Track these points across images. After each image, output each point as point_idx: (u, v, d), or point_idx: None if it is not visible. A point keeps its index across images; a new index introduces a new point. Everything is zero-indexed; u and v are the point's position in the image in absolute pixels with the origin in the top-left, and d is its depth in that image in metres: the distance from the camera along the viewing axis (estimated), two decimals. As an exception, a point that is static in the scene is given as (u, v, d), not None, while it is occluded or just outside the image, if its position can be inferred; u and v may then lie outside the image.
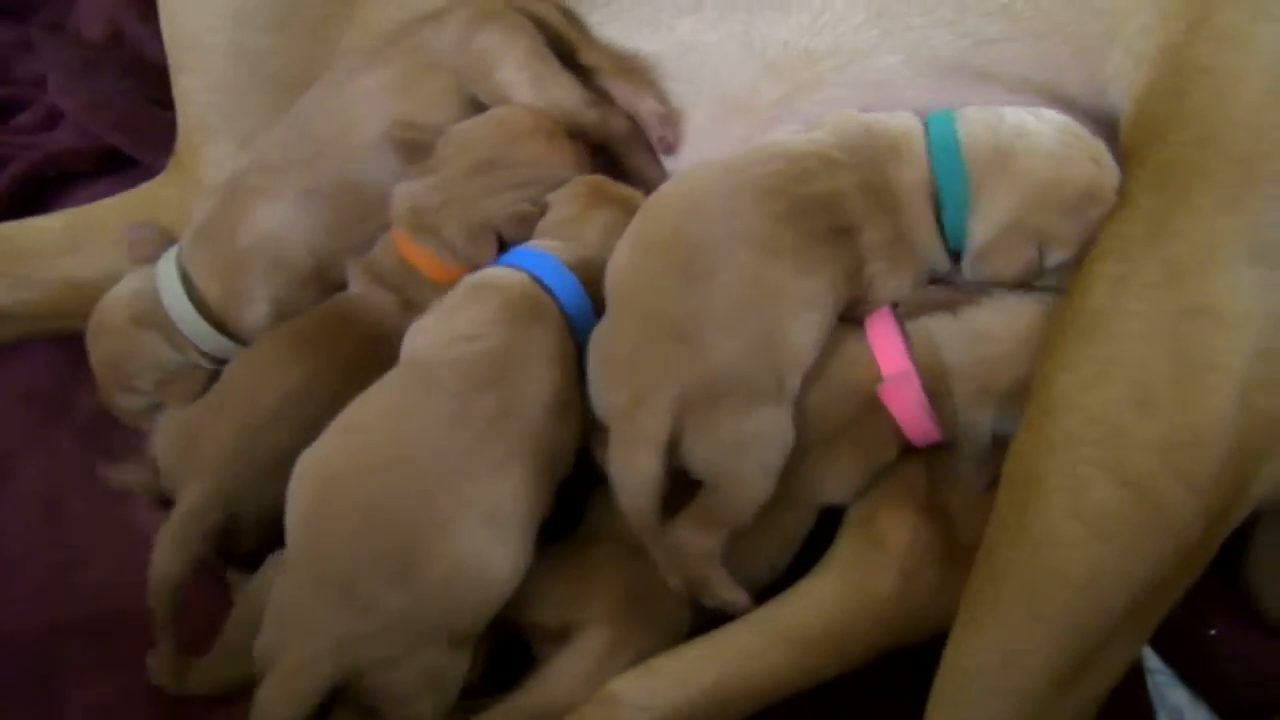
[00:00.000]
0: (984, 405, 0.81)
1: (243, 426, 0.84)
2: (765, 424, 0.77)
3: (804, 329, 0.79)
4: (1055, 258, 0.83)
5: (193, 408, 0.88)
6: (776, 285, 0.78)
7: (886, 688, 0.80)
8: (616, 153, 0.95)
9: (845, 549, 0.83)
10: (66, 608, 0.89)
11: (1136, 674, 0.82)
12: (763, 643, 0.79)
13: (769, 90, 0.94)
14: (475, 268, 0.87)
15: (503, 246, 0.89)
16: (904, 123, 0.86)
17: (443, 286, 0.86)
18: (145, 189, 1.05)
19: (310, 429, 0.79)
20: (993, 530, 0.74)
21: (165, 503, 0.87)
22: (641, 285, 0.79)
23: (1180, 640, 0.84)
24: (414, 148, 0.90)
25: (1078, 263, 0.79)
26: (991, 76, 0.89)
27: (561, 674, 0.78)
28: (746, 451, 0.77)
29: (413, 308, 0.87)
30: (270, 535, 0.81)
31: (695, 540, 0.77)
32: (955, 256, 0.86)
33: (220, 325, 0.93)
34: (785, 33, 0.93)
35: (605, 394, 0.79)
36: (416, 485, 0.74)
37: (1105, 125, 0.87)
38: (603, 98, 0.96)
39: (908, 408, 0.81)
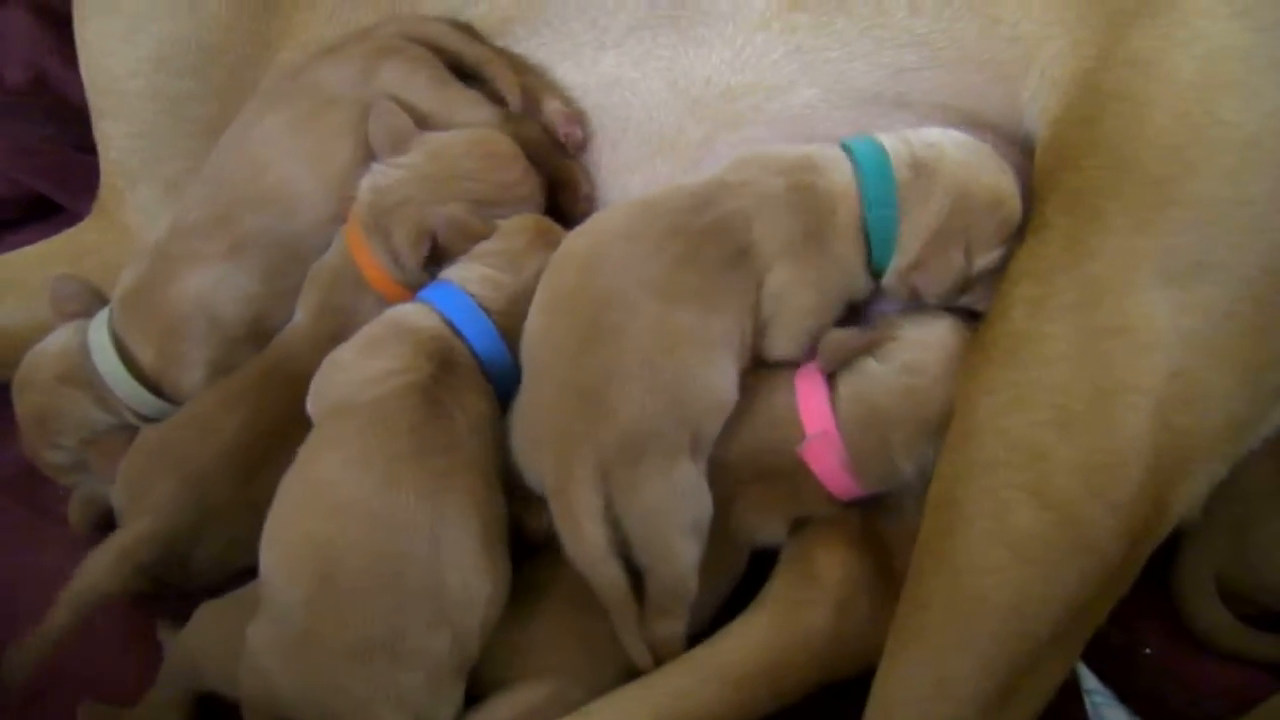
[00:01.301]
0: (922, 439, 0.80)
1: (184, 479, 0.84)
2: (682, 483, 0.77)
3: (717, 374, 0.79)
4: (979, 263, 0.83)
5: (137, 446, 0.88)
6: (684, 332, 0.78)
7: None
8: (536, 161, 0.94)
9: (779, 586, 0.82)
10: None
11: (1074, 694, 0.82)
12: (697, 682, 0.78)
13: (693, 129, 0.94)
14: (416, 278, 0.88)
15: (442, 258, 0.88)
16: (813, 147, 0.86)
17: (385, 305, 0.86)
18: (68, 235, 1.05)
19: (253, 477, 0.81)
20: (917, 557, 0.74)
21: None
22: (552, 350, 0.79)
23: (1117, 660, 0.84)
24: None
25: (994, 283, 0.80)
26: (909, 105, 0.90)
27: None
28: (666, 517, 0.76)
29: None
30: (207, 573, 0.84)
31: (660, 631, 0.78)
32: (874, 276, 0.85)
33: (156, 390, 0.92)
34: (708, 70, 0.94)
35: (532, 471, 0.79)
36: (413, 527, 0.74)
37: (1022, 149, 0.88)
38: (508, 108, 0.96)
39: (829, 466, 0.81)
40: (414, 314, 0.84)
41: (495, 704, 0.77)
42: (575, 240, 0.84)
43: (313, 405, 0.82)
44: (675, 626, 0.78)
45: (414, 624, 0.72)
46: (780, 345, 0.84)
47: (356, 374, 0.80)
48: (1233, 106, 0.73)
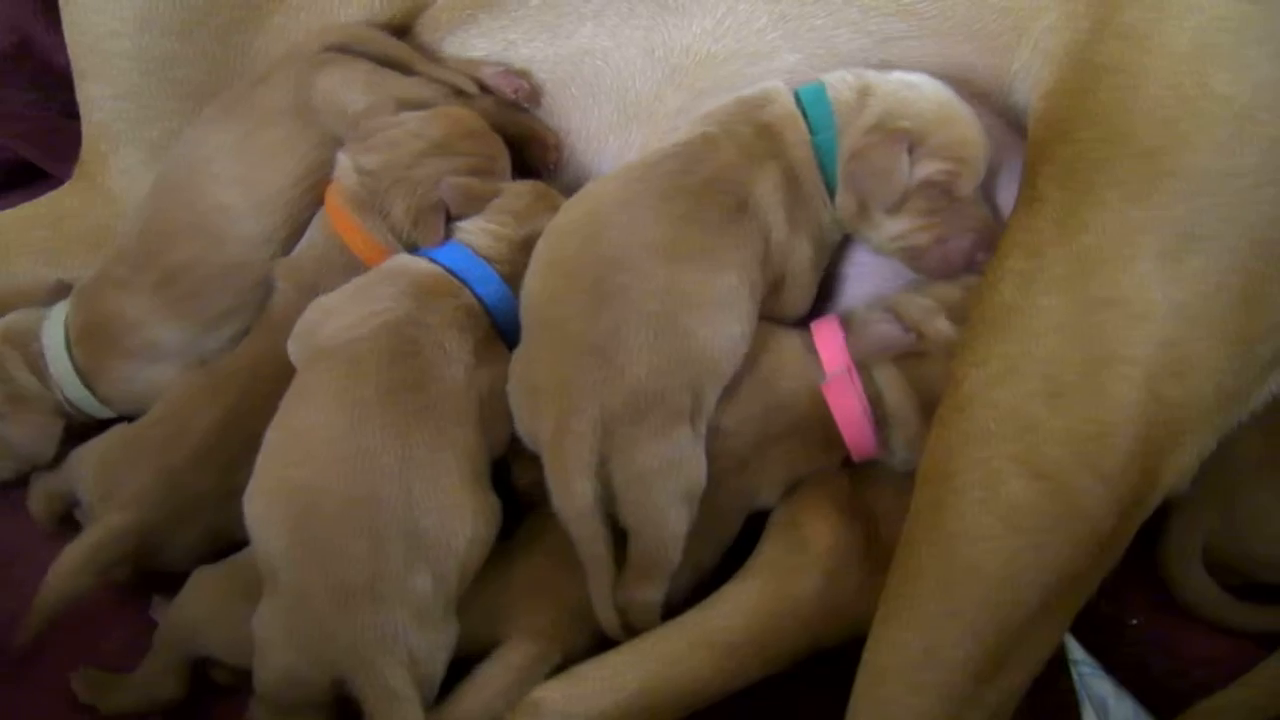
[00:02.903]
0: (921, 444, 0.80)
1: (163, 469, 0.84)
2: (680, 449, 0.77)
3: (722, 335, 0.80)
4: (923, 169, 0.84)
5: (111, 442, 0.88)
6: (689, 292, 0.79)
7: (810, 689, 0.81)
8: (499, 128, 0.95)
9: (769, 552, 0.83)
10: None
11: (1061, 665, 0.82)
12: (687, 647, 0.79)
13: (671, 98, 0.95)
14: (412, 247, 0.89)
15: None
16: (767, 83, 0.88)
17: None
18: (49, 198, 1.04)
19: (232, 470, 0.81)
20: (909, 527, 0.74)
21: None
22: (555, 310, 0.80)
23: (1104, 631, 0.85)
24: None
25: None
26: (893, 70, 0.89)
27: (482, 686, 0.77)
28: (662, 481, 0.77)
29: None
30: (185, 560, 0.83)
31: (639, 596, 0.78)
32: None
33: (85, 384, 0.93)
34: (687, 39, 0.94)
35: (529, 422, 0.79)
36: (382, 468, 0.74)
37: (1013, 122, 0.88)
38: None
39: (849, 408, 0.81)
40: (409, 260, 0.86)
41: (486, 673, 0.78)
42: (571, 211, 0.84)
43: (295, 352, 0.83)
44: (653, 594, 0.79)
45: (391, 565, 0.73)
46: (798, 303, 0.87)
47: (340, 320, 0.81)
48: (1225, 79, 0.73)
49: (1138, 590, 0.89)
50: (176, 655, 0.80)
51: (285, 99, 0.94)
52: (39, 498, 0.92)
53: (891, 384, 0.82)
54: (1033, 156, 0.80)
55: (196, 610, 0.80)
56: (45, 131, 1.17)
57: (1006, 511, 0.70)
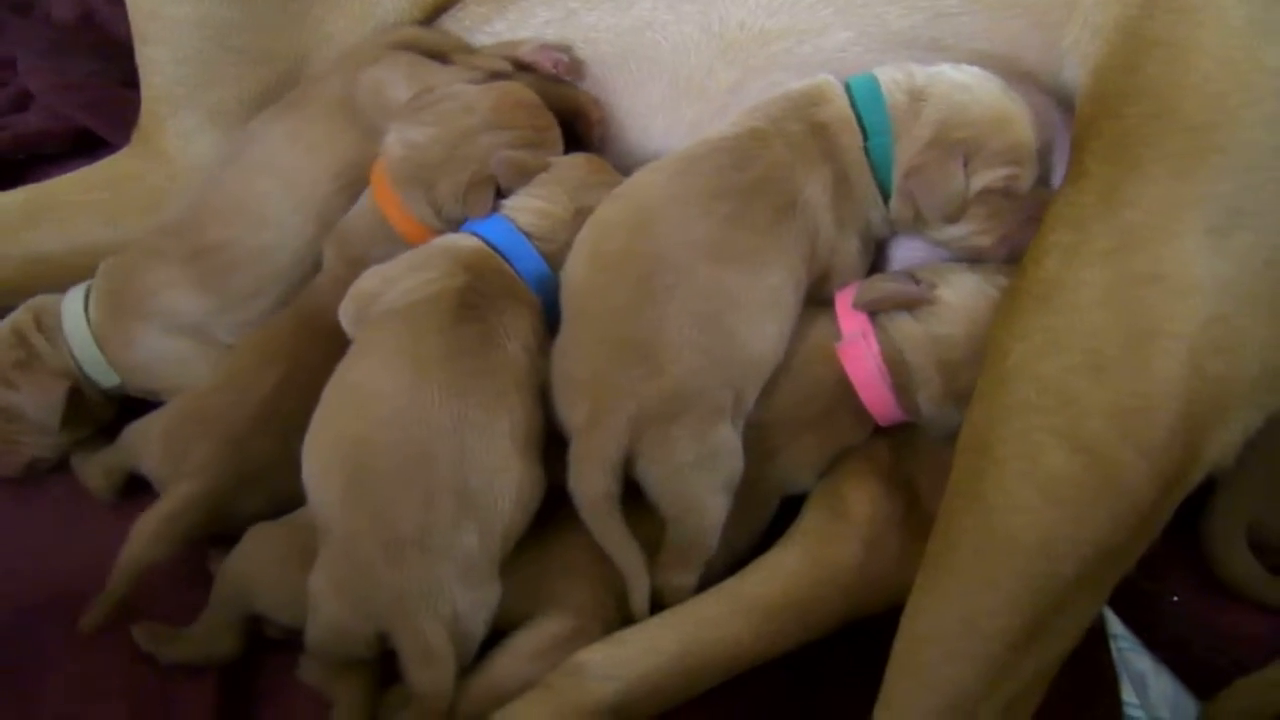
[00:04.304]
0: (947, 403, 0.82)
1: (224, 439, 0.85)
2: (720, 444, 0.78)
3: (764, 335, 0.80)
4: (980, 179, 0.84)
5: (172, 414, 0.89)
6: (733, 293, 0.79)
7: (847, 655, 0.81)
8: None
9: (809, 521, 0.84)
10: (39, 591, 0.89)
11: (1100, 640, 0.83)
12: (727, 613, 0.80)
13: (723, 73, 0.95)
14: (455, 224, 0.90)
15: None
16: (819, 78, 0.88)
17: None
18: (106, 162, 1.05)
19: (292, 433, 0.82)
20: (949, 498, 0.74)
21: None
22: (599, 303, 0.80)
23: (1143, 606, 0.85)
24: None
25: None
26: (945, 49, 0.90)
27: (518, 651, 0.78)
28: (701, 475, 0.78)
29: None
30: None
31: (674, 580, 0.79)
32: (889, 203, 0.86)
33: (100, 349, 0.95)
34: (743, 13, 0.94)
35: (564, 409, 0.80)
36: (437, 425, 0.75)
37: (1062, 98, 0.87)
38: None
39: (866, 372, 0.82)
40: (456, 238, 0.87)
41: (521, 639, 0.79)
42: (617, 203, 0.85)
43: (349, 318, 0.84)
44: (688, 578, 0.80)
45: (441, 519, 0.74)
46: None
47: (401, 285, 0.82)
48: (1276, 53, 0.72)
49: (1179, 567, 0.89)
50: (232, 611, 0.82)
51: (334, 96, 0.96)
52: (95, 473, 0.93)
53: (911, 343, 0.82)
54: (1080, 133, 0.80)
55: (250, 567, 0.82)
56: (106, 100, 1.19)
57: (1046, 483, 0.70)
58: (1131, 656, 0.83)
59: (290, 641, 0.81)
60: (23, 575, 0.90)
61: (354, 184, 0.94)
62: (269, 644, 0.84)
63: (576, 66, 0.98)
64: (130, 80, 1.05)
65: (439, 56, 0.98)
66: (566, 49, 0.98)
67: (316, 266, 0.94)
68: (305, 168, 0.94)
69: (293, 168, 0.94)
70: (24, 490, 0.96)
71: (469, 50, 0.99)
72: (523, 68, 0.97)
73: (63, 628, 0.85)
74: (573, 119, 0.96)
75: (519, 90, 0.93)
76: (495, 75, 0.95)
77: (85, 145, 1.19)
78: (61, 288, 0.97)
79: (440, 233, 0.90)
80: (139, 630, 0.82)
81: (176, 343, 0.94)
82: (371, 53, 0.97)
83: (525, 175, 0.90)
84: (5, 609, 0.88)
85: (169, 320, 0.94)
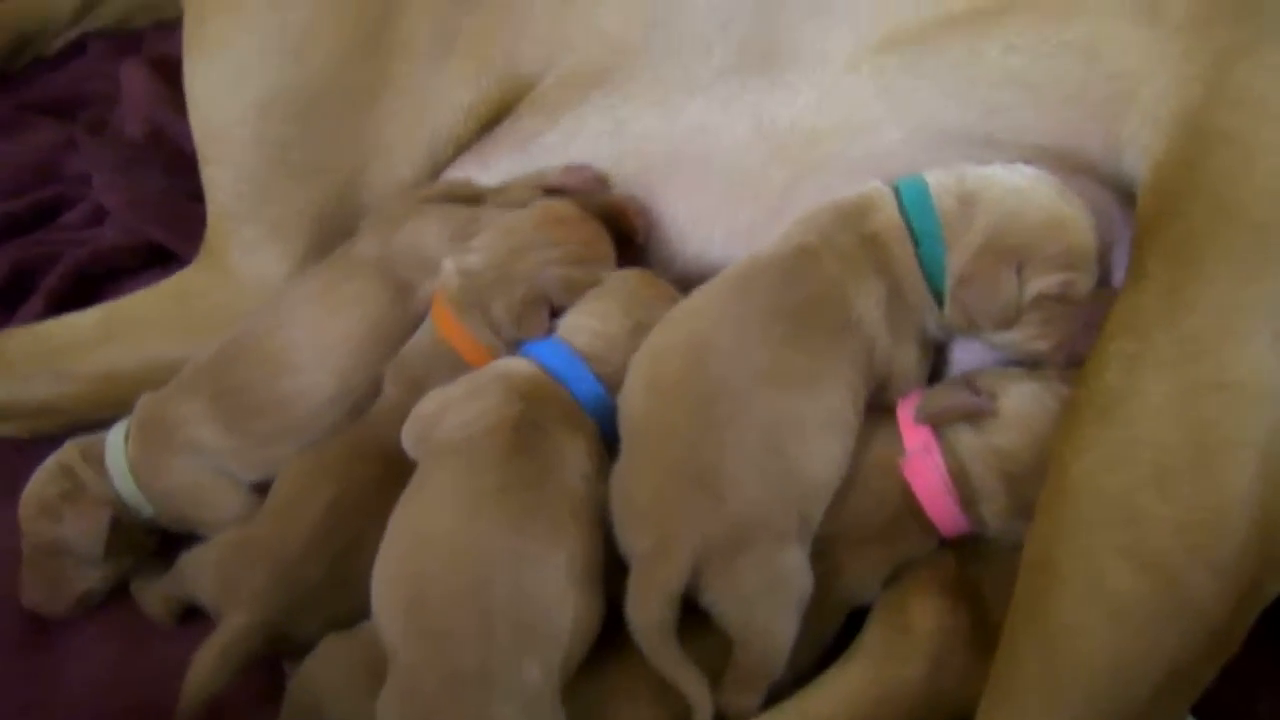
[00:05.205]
0: (1012, 517, 0.80)
1: (275, 565, 0.85)
2: (788, 568, 0.77)
3: (826, 458, 0.79)
4: (1034, 285, 0.82)
5: (224, 546, 0.90)
6: (793, 418, 0.78)
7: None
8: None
9: (872, 636, 0.81)
10: (123, 698, 0.91)
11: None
12: None
13: (777, 174, 0.94)
14: (515, 344, 0.90)
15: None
16: (867, 185, 0.87)
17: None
18: (177, 278, 1.07)
19: (344, 557, 0.83)
20: (1012, 617, 0.72)
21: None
22: (658, 432, 0.80)
23: (1227, 716, 0.80)
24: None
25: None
26: (998, 144, 0.88)
27: None
28: (771, 600, 0.76)
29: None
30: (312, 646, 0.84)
31: (738, 702, 0.77)
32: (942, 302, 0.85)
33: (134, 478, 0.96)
34: (793, 113, 0.94)
35: (626, 537, 0.79)
36: (494, 560, 0.75)
37: (1123, 191, 0.85)
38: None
39: (931, 485, 0.80)
40: (512, 362, 0.87)
41: None
42: (669, 330, 0.84)
43: (411, 440, 0.85)
44: (752, 701, 0.78)
45: (501, 656, 0.73)
46: (897, 399, 0.85)
47: (456, 416, 0.82)
48: None
49: (1263, 676, 0.85)
50: None
51: (369, 253, 0.97)
52: (154, 601, 0.95)
53: (974, 456, 0.80)
54: (1141, 231, 0.78)
55: (320, 682, 0.82)
56: (176, 215, 1.21)
57: (1112, 604, 0.68)
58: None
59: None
60: (98, 691, 0.92)
61: (380, 343, 0.95)
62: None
63: (602, 177, 0.99)
64: (199, 194, 1.07)
65: (471, 203, 0.99)
66: (587, 166, 0.99)
67: (338, 419, 0.94)
68: (332, 324, 0.95)
69: (319, 322, 0.95)
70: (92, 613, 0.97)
71: (498, 192, 1.00)
72: (553, 193, 0.97)
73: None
74: (616, 224, 0.96)
75: (559, 206, 0.94)
76: (526, 204, 0.96)
77: (158, 259, 1.22)
78: (131, 403, 0.99)
79: (502, 353, 0.90)
80: None
81: (201, 475, 0.95)
82: (403, 209, 0.99)
83: (575, 291, 0.90)
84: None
85: (194, 453, 0.95)
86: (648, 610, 0.76)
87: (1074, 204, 0.84)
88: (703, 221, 0.97)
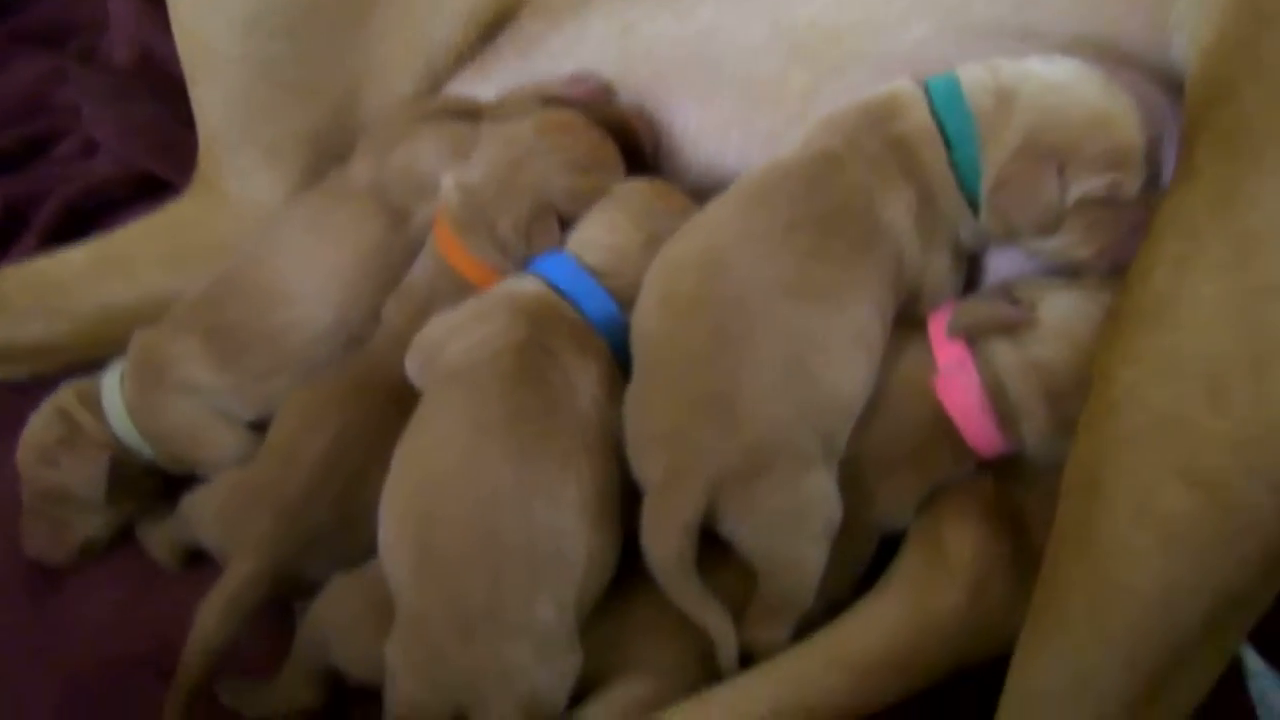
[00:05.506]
0: (1055, 435, 0.77)
1: (279, 508, 0.84)
2: (813, 493, 0.74)
3: (851, 375, 0.76)
4: (1078, 188, 0.78)
5: (224, 490, 0.89)
6: (816, 334, 0.75)
7: (951, 709, 0.77)
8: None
9: (907, 565, 0.79)
10: (132, 642, 0.90)
11: (1238, 676, 0.78)
12: (821, 668, 0.76)
13: (797, 77, 0.90)
14: (523, 262, 0.87)
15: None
16: (895, 84, 0.83)
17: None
18: (169, 209, 1.05)
19: (349, 495, 0.82)
20: (1055, 542, 0.69)
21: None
22: (672, 352, 0.77)
23: (1287, 641, 0.78)
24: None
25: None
26: (1036, 35, 0.84)
27: (597, 718, 0.75)
28: (795, 527, 0.74)
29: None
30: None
31: (765, 636, 0.76)
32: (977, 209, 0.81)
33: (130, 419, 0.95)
34: (813, 10, 0.89)
35: (639, 465, 0.77)
36: (503, 495, 0.73)
37: (1171, 83, 0.81)
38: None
39: (966, 404, 0.77)
40: (519, 282, 0.84)
41: (597, 705, 0.76)
42: (685, 241, 0.81)
43: (415, 367, 0.83)
44: (780, 634, 0.76)
45: (513, 594, 0.72)
46: (928, 312, 0.82)
47: (461, 341, 0.80)
48: None
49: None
50: (313, 663, 0.81)
51: (361, 180, 0.95)
52: (160, 546, 0.93)
53: (1012, 370, 0.77)
54: (1190, 124, 0.73)
55: (330, 618, 0.80)
56: (169, 143, 1.18)
57: (1163, 526, 0.64)
58: (1272, 695, 0.78)
59: (372, 693, 0.79)
60: (114, 629, 0.91)
61: (377, 271, 0.93)
62: (353, 692, 0.82)
63: (608, 87, 0.95)
64: (191, 120, 1.04)
65: (468, 119, 0.96)
66: (591, 74, 0.95)
67: (335, 351, 0.92)
68: (325, 252, 0.93)
69: (312, 252, 0.93)
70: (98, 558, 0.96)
71: (496, 106, 0.96)
72: (554, 104, 0.93)
73: (154, 680, 0.85)
74: (623, 137, 0.93)
75: (560, 113, 0.90)
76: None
77: (153, 189, 1.19)
78: (127, 340, 0.97)
79: (510, 273, 0.87)
80: (222, 687, 0.82)
81: (199, 414, 0.93)
82: (398, 129, 0.96)
83: (582, 201, 0.87)
84: (96, 661, 0.88)
85: (190, 392, 0.93)
86: (664, 542, 0.73)
87: (1119, 98, 0.79)
88: (717, 130, 0.94)
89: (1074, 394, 0.74)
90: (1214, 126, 0.70)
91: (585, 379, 0.79)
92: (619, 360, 0.81)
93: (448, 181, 0.89)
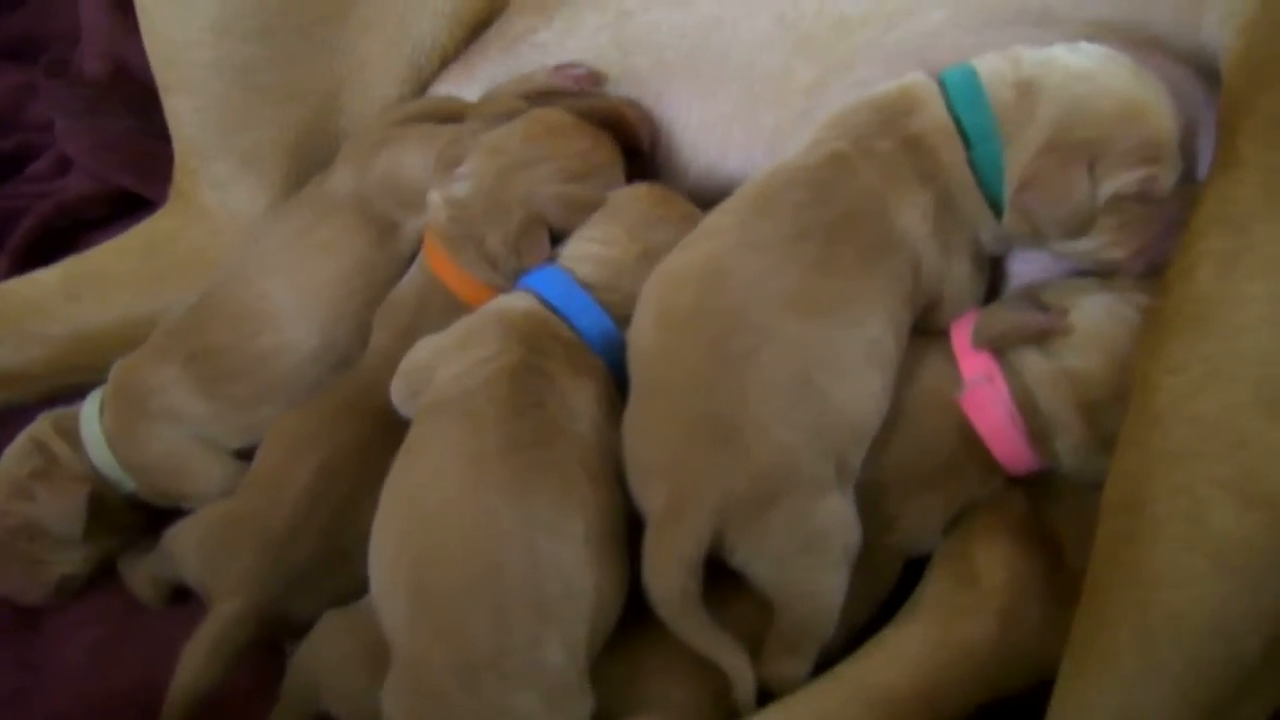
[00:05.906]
0: (1092, 451, 0.73)
1: (263, 543, 0.81)
2: (828, 519, 0.70)
3: (865, 394, 0.72)
4: (1110, 184, 0.74)
5: (207, 523, 0.86)
6: (827, 350, 0.72)
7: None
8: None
9: (933, 591, 0.76)
10: (115, 681, 0.87)
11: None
12: (843, 704, 0.72)
13: (803, 70, 0.87)
14: (516, 277, 0.85)
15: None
16: (908, 78, 0.80)
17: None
18: (144, 225, 1.03)
19: (337, 528, 0.80)
20: (1096, 566, 0.65)
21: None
22: (670, 372, 0.73)
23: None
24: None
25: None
26: (1058, 22, 0.81)
27: None
28: (811, 557, 0.70)
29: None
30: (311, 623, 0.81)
31: (783, 671, 0.72)
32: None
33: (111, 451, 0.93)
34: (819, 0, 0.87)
35: (639, 493, 0.73)
36: (503, 531, 0.71)
37: (1204, 69, 0.77)
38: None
39: (994, 419, 0.74)
40: (510, 300, 0.82)
41: None
42: (685, 253, 0.77)
43: (402, 393, 0.80)
44: (799, 668, 0.72)
45: (518, 637, 0.68)
46: (949, 322, 0.78)
47: (451, 367, 0.77)
48: None
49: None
50: (303, 708, 0.78)
51: (343, 190, 0.93)
52: (143, 582, 0.91)
53: (1044, 382, 0.73)
54: (1230, 110, 0.70)
55: (319, 662, 0.77)
56: (144, 158, 1.17)
57: (1215, 548, 0.61)
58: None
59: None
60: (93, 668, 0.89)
61: (364, 290, 0.91)
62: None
63: (597, 74, 0.92)
64: (167, 134, 1.02)
65: (452, 120, 0.93)
66: (578, 63, 0.93)
67: (323, 375, 0.90)
68: (311, 270, 0.91)
69: (297, 270, 0.91)
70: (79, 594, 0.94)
71: (480, 105, 0.94)
72: (542, 99, 0.90)
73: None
74: (618, 132, 0.90)
75: (549, 114, 0.87)
76: (514, 115, 0.89)
77: (129, 207, 1.18)
78: (106, 365, 0.95)
79: (503, 289, 0.84)
80: None
81: (182, 445, 0.91)
82: (378, 135, 0.94)
83: (575, 210, 0.84)
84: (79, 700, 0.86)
85: (172, 421, 0.91)
86: (665, 579, 0.70)
87: (1150, 86, 0.75)
88: (719, 127, 0.91)
89: (1111, 406, 0.70)
90: (1259, 111, 0.67)
91: (583, 401, 0.76)
92: (617, 380, 0.78)
93: (434, 198, 0.86)
